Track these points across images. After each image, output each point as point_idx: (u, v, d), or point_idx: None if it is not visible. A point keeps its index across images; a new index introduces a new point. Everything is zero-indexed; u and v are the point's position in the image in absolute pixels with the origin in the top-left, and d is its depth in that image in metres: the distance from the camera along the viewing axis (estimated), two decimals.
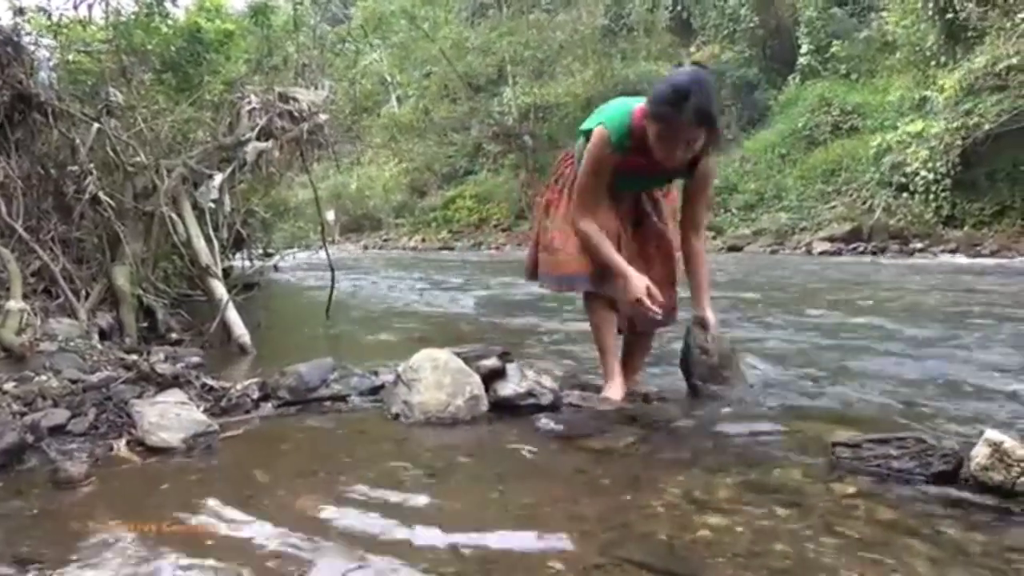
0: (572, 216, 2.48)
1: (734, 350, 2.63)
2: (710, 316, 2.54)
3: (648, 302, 2.30)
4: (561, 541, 1.37)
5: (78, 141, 4.01)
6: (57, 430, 2.04)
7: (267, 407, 2.40)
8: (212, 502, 1.57)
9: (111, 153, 4.16)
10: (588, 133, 2.43)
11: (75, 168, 3.99)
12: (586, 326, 2.69)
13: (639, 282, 2.33)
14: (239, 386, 2.48)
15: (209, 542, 1.36)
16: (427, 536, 1.39)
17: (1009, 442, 1.57)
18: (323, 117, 5.47)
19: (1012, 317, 4.88)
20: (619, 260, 2.40)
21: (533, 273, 2.74)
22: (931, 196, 13.85)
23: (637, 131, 2.32)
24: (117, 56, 4.75)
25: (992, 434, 1.60)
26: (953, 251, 12.64)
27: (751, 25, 20.83)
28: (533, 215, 2.87)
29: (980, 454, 1.59)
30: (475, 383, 2.29)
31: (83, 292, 3.72)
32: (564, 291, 2.71)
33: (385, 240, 26.65)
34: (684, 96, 2.13)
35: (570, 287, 2.62)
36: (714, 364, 2.50)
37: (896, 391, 2.69)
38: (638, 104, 2.34)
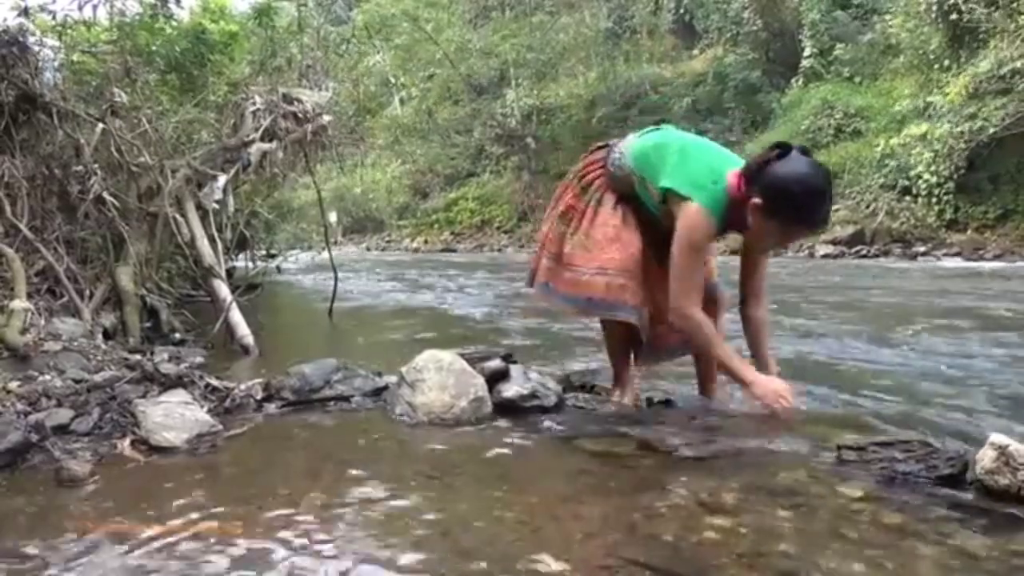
0: (677, 300, 2.19)
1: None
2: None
3: (783, 405, 2.13)
4: (566, 542, 1.37)
5: (83, 141, 4.03)
6: (61, 429, 2.04)
7: (271, 407, 2.40)
8: (216, 501, 1.57)
9: (115, 153, 4.18)
10: (667, 190, 2.16)
11: (80, 168, 4.01)
12: (588, 326, 2.67)
13: (766, 390, 2.15)
14: (243, 386, 2.48)
15: (212, 541, 1.36)
16: (431, 537, 1.39)
17: (1015, 445, 1.56)
18: (327, 118, 5.49)
19: (1018, 320, 4.87)
20: (737, 364, 2.20)
21: (533, 280, 2.52)
22: (934, 199, 13.83)
23: (735, 207, 2.09)
24: (122, 57, 4.76)
25: (998, 437, 1.59)
26: (956, 255, 12.62)
27: (754, 28, 20.82)
28: (547, 214, 2.73)
29: (986, 457, 1.58)
30: (479, 384, 2.29)
31: (87, 292, 3.73)
32: (580, 314, 2.49)
33: (387, 242, 26.71)
34: (821, 203, 2.01)
35: (586, 311, 2.42)
36: None
37: (901, 394, 2.68)
38: (730, 172, 2.10)
